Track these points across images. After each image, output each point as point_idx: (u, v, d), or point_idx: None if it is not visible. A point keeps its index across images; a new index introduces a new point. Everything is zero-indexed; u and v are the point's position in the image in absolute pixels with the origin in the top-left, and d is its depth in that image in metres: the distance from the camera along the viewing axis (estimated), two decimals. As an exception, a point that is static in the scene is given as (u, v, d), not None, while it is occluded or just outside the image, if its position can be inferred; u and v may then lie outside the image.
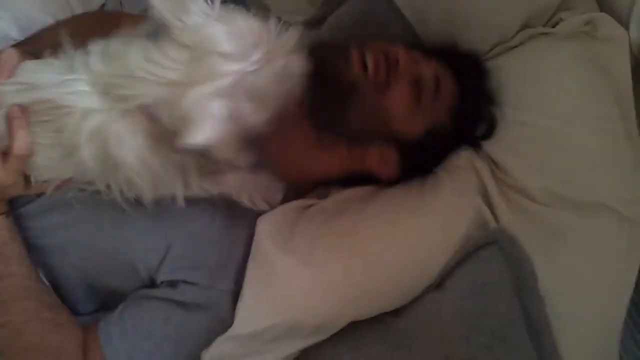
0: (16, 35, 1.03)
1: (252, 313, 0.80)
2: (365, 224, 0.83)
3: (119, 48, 0.68)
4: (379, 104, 0.81)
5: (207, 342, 0.81)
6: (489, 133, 0.88)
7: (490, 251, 0.79)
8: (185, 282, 0.81)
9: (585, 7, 0.90)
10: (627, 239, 0.79)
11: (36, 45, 0.85)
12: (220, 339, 0.80)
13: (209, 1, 0.65)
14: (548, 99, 0.86)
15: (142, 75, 0.64)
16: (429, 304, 0.80)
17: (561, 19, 0.90)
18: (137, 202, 0.75)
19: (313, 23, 1.09)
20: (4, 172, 0.72)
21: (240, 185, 0.82)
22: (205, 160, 0.74)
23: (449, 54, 0.91)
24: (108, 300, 0.87)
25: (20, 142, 0.70)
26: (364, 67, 0.81)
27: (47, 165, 0.73)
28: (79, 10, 1.10)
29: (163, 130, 0.66)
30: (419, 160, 0.86)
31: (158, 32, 0.66)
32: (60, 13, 1.07)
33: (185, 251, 0.82)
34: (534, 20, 0.91)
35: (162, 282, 0.83)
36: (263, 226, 0.84)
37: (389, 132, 0.83)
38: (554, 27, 0.90)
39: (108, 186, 0.73)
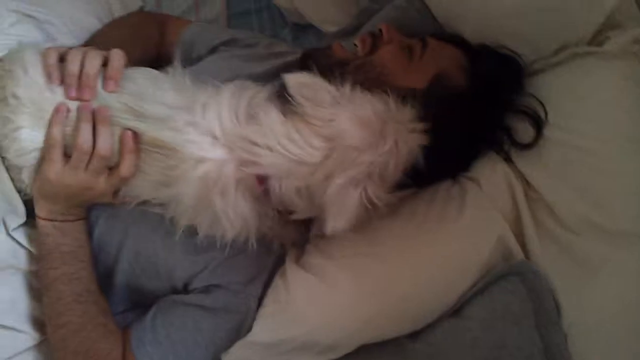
0: (67, 40, 1.02)
1: (271, 324, 0.82)
2: (383, 246, 0.82)
3: (254, 111, 0.73)
4: (370, 63, 0.84)
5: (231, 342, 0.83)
6: (535, 140, 0.85)
7: (513, 282, 0.78)
8: (217, 286, 0.83)
9: (634, 25, 0.85)
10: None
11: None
12: (239, 344, 0.82)
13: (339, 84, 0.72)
14: (592, 120, 0.83)
15: (279, 149, 0.69)
16: (446, 330, 0.79)
17: (608, 38, 0.86)
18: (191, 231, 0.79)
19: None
20: (106, 186, 0.77)
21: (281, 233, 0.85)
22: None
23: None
24: (139, 301, 0.89)
25: (127, 166, 0.75)
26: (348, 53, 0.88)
27: (141, 187, 0.78)
28: (118, 11, 1.12)
29: (268, 199, 0.73)
30: (442, 117, 0.78)
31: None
32: (102, 15, 1.08)
33: (221, 264, 0.84)
34: (576, 39, 0.87)
35: (195, 289, 0.84)
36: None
37: (392, 87, 0.78)
38: (600, 45, 0.86)
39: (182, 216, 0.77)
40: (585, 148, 0.81)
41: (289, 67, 0.94)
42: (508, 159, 0.87)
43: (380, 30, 0.87)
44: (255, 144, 0.70)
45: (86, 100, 0.75)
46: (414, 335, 0.81)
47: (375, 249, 0.82)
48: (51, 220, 0.81)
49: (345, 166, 0.68)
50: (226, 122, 0.73)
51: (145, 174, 0.76)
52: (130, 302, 0.91)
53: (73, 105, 0.75)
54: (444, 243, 0.81)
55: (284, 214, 0.77)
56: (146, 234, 0.85)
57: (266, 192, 0.73)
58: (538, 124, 0.84)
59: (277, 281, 0.84)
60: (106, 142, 0.75)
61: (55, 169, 0.75)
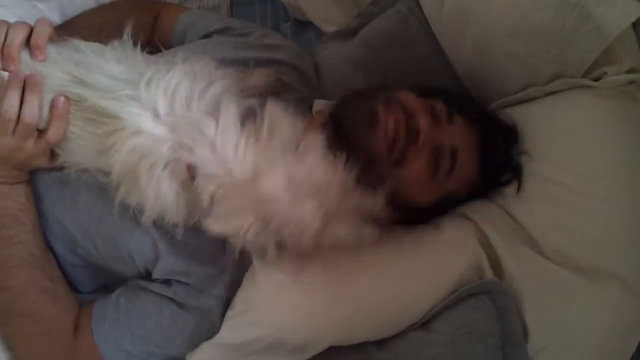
0: (58, 20, 1.03)
1: (239, 324, 0.81)
2: (358, 255, 0.81)
3: (213, 101, 0.73)
4: (396, 178, 0.78)
5: (192, 343, 0.82)
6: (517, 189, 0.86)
7: (482, 300, 0.78)
8: (178, 282, 0.82)
9: (631, 62, 0.84)
10: (634, 315, 0.76)
11: (75, 30, 0.88)
12: (206, 344, 0.81)
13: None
14: (579, 157, 0.83)
15: (219, 151, 0.68)
16: (412, 342, 0.79)
17: (606, 73, 0.85)
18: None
19: (347, 34, 1.09)
20: (34, 148, 0.77)
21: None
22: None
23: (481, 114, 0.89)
24: (108, 283, 0.88)
25: (55, 132, 0.76)
26: (386, 139, 0.79)
27: (78, 153, 0.77)
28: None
29: (194, 191, 0.71)
30: (420, 219, 0.85)
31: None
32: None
33: (180, 259, 0.83)
34: (574, 67, 0.86)
35: (157, 279, 0.84)
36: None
37: (400, 201, 0.79)
38: (596, 79, 0.85)
39: (118, 188, 0.76)
40: (568, 185, 0.81)
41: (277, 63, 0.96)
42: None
43: (418, 130, 0.79)
44: (201, 133, 0.69)
45: (10, 70, 0.75)
46: (380, 343, 0.81)
47: (349, 257, 0.81)
48: None
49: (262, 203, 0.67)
50: (176, 103, 0.73)
51: (82, 140, 0.76)
52: (100, 284, 0.90)
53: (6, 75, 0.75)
54: (419, 256, 0.81)
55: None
56: (99, 211, 0.83)
57: (190, 179, 0.71)
58: (519, 174, 0.85)
59: (245, 282, 0.83)
60: (32, 110, 0.75)
61: None
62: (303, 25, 1.21)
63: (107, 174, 0.76)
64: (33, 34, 0.77)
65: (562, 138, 0.84)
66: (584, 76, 0.85)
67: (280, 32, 1.21)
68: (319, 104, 0.96)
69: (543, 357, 0.76)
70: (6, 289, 0.80)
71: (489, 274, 0.79)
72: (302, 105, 0.95)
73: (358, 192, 0.69)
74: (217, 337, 0.81)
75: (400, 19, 1.01)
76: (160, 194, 0.72)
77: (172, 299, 0.82)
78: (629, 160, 0.80)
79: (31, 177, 0.84)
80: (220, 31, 1.05)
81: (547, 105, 0.88)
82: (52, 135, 0.75)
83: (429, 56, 0.98)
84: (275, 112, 0.71)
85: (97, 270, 0.88)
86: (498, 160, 0.86)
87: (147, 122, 0.72)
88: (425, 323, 0.80)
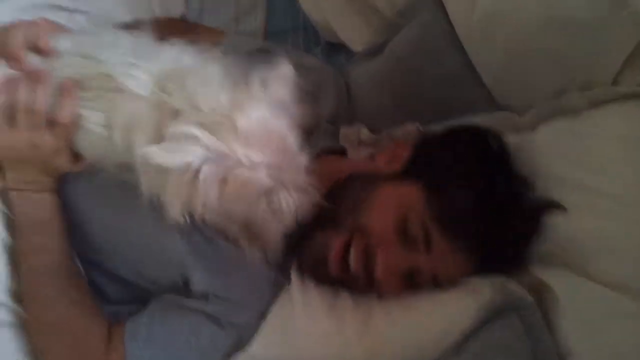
0: None
1: (271, 342, 0.81)
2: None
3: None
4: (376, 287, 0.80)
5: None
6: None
7: (510, 318, 0.76)
8: (216, 296, 0.82)
9: None
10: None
11: None
12: (237, 356, 0.81)
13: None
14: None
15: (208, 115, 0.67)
16: None
17: None
18: None
19: (375, 51, 1.09)
20: (51, 140, 0.76)
21: None
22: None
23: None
24: (140, 294, 0.87)
25: (66, 111, 0.74)
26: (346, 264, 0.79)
27: (88, 146, 0.77)
28: (159, 13, 1.16)
29: None
30: None
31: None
32: (141, 14, 1.11)
33: (219, 273, 0.82)
34: (607, 66, 0.83)
35: (195, 292, 0.83)
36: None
37: None
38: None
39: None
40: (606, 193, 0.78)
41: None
42: None
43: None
44: (187, 99, 0.68)
45: (17, 69, 0.76)
46: None
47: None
48: (17, 189, 0.81)
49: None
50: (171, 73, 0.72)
51: (87, 129, 0.75)
52: (131, 295, 0.88)
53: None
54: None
55: None
56: (127, 213, 0.82)
57: None
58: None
59: (281, 299, 0.82)
60: (39, 97, 0.74)
61: (1, 132, 0.77)
62: (335, 48, 1.22)
63: (130, 168, 0.74)
64: (35, 33, 0.78)
65: (616, 150, 0.80)
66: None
67: (312, 55, 1.22)
68: (344, 130, 0.98)
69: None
70: (35, 298, 0.81)
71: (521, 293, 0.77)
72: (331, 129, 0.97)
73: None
74: (249, 349, 0.80)
75: (425, 30, 1.00)
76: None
77: (210, 316, 0.81)
78: None
79: (57, 186, 0.85)
80: (259, 50, 1.07)
81: (597, 121, 0.83)
82: (64, 115, 0.74)
83: (455, 66, 0.97)
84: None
85: (124, 283, 0.88)
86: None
87: (143, 87, 0.71)
88: (456, 349, 0.77)
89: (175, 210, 0.66)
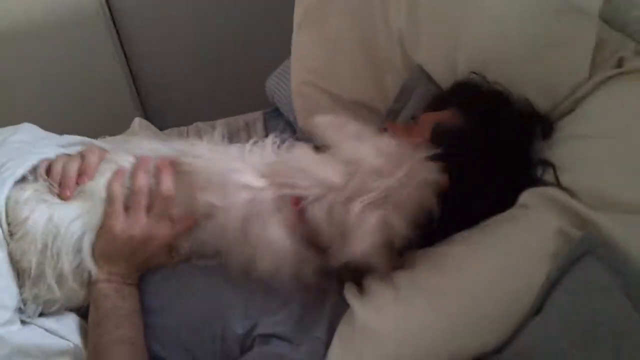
0: None
1: (339, 355, 0.77)
2: (448, 262, 0.81)
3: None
4: None
5: None
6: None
7: (586, 261, 0.73)
8: (278, 338, 0.80)
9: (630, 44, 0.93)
10: None
11: None
12: None
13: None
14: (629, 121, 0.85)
15: (310, 173, 0.76)
16: (531, 329, 0.72)
17: (622, 58, 0.92)
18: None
19: (392, 116, 1.16)
20: (171, 232, 0.83)
21: None
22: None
23: None
24: None
25: (166, 185, 0.82)
26: None
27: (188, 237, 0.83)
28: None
29: (305, 229, 0.77)
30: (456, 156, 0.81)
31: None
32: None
33: (279, 307, 0.82)
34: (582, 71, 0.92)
35: (254, 339, 0.80)
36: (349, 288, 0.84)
37: None
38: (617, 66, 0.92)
39: (227, 256, 0.81)
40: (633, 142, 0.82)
41: None
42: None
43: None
44: (293, 168, 0.78)
45: (65, 198, 0.82)
46: (499, 351, 0.74)
47: (439, 267, 0.80)
48: (110, 282, 0.82)
49: (363, 190, 0.73)
50: (267, 156, 0.82)
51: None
52: None
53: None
54: (506, 247, 0.79)
55: (320, 255, 0.79)
56: (198, 290, 0.84)
57: (301, 215, 0.76)
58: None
59: (342, 322, 0.80)
60: (168, 182, 0.82)
61: (119, 220, 0.81)
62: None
63: (210, 254, 0.83)
64: (85, 160, 0.85)
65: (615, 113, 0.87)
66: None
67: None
68: None
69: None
70: None
71: (584, 233, 0.75)
72: None
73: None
74: None
75: (421, 102, 1.08)
76: (272, 240, 0.76)
77: (273, 354, 0.78)
78: None
79: None
80: None
81: (589, 107, 0.91)
82: (165, 188, 0.82)
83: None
84: (322, 122, 0.82)
85: None
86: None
87: (250, 177, 0.79)
88: (538, 310, 0.73)
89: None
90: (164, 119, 1.88)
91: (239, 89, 1.90)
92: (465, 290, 0.77)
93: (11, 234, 0.81)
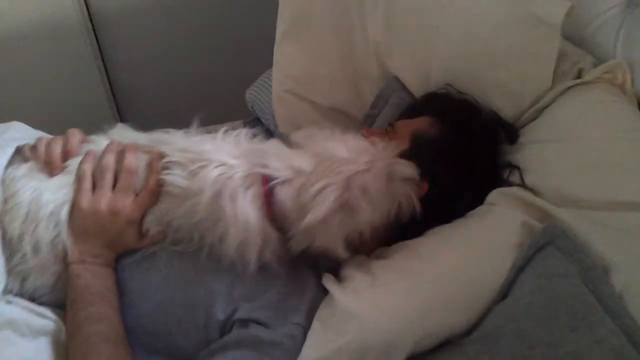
0: None
1: (319, 339, 0.81)
2: (422, 251, 0.87)
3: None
4: None
5: None
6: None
7: (547, 250, 0.80)
8: (257, 322, 0.83)
9: (590, 59, 1.02)
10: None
11: None
12: None
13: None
14: (582, 125, 0.94)
15: (282, 159, 0.82)
16: (498, 312, 0.79)
17: (582, 69, 1.01)
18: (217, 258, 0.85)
19: (369, 121, 1.23)
20: (133, 208, 0.86)
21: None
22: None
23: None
24: None
25: (128, 159, 0.87)
26: None
27: (164, 210, 0.87)
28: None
29: (272, 210, 0.82)
30: (432, 162, 0.89)
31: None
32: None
33: (257, 298, 0.86)
34: (544, 82, 1.02)
35: (234, 323, 0.84)
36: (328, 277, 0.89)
37: None
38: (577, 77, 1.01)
39: (201, 238, 0.85)
40: (584, 145, 0.91)
41: None
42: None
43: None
44: (265, 153, 0.84)
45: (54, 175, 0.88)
46: (468, 333, 0.80)
47: (414, 254, 0.86)
48: (82, 262, 0.86)
49: (327, 174, 0.79)
50: (240, 143, 0.87)
51: (168, 193, 0.86)
52: None
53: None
54: (476, 236, 0.87)
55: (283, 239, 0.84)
56: (177, 275, 0.87)
57: (268, 195, 0.81)
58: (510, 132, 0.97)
59: (322, 305, 0.85)
60: (131, 159, 0.87)
61: (86, 196, 0.86)
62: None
63: (185, 240, 0.87)
64: (68, 141, 0.91)
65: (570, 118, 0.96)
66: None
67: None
68: None
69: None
70: None
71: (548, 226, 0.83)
72: None
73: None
74: (300, 358, 0.80)
75: (397, 108, 1.16)
76: (243, 218, 0.81)
77: (250, 342, 0.81)
78: (621, 114, 0.93)
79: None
80: None
81: (550, 115, 1.00)
82: (152, 182, 0.86)
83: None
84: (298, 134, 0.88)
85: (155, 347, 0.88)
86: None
87: (226, 157, 0.84)
88: (504, 296, 0.80)
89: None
90: (142, 128, 1.90)
91: (218, 99, 1.94)
92: (437, 275, 0.82)
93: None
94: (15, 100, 1.92)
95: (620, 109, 0.94)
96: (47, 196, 0.87)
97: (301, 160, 0.82)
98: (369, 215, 0.80)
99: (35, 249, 0.86)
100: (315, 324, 0.83)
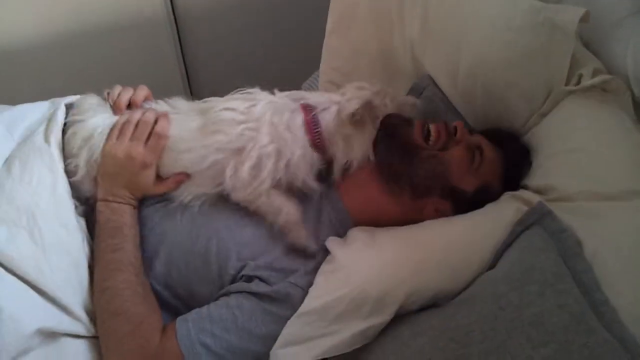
0: None
1: (320, 290, 0.91)
2: (422, 223, 0.98)
3: None
4: (439, 160, 1.01)
5: (274, 337, 0.90)
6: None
7: (534, 230, 0.88)
8: (260, 279, 0.94)
9: (593, 64, 1.06)
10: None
11: None
12: (290, 321, 0.90)
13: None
14: (583, 130, 1.00)
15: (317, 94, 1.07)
16: (480, 281, 0.88)
17: (581, 75, 1.05)
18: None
19: None
20: (145, 152, 0.99)
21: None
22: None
23: (494, 133, 1.10)
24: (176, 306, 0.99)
25: (161, 125, 1.00)
26: (427, 135, 1.03)
27: (173, 161, 1.01)
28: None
29: (316, 135, 1.01)
30: (467, 210, 1.00)
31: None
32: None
33: (263, 254, 0.97)
34: (557, 79, 1.07)
35: (241, 278, 0.95)
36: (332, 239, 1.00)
37: (448, 186, 1.00)
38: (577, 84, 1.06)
39: (218, 185, 0.99)
40: (578, 147, 0.97)
41: None
42: None
43: (455, 128, 1.05)
44: (302, 94, 1.02)
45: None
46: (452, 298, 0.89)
47: (410, 227, 0.97)
48: (105, 200, 0.99)
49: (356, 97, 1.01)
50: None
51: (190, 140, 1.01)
52: (165, 305, 0.98)
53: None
54: (473, 216, 0.97)
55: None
56: (191, 228, 0.99)
57: (311, 123, 0.99)
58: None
59: (324, 264, 0.96)
60: (149, 116, 1.01)
61: (111, 142, 0.99)
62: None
63: (202, 195, 1.00)
64: (135, 94, 1.06)
65: (565, 127, 1.02)
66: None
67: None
68: None
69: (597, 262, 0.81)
70: (105, 289, 0.93)
71: (538, 207, 0.91)
72: None
73: None
74: (300, 308, 0.89)
75: (427, 102, 1.24)
76: (297, 141, 0.99)
77: (253, 293, 0.92)
78: (615, 123, 0.98)
79: (139, 206, 1.03)
80: None
81: (547, 121, 1.07)
82: (160, 127, 1.00)
83: (451, 119, 1.18)
84: None
85: (170, 294, 0.99)
86: (516, 161, 1.05)
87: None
88: (492, 266, 0.89)
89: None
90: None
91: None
92: (430, 242, 0.93)
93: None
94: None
95: (608, 113, 1.00)
96: (100, 128, 1.02)
97: (332, 94, 1.01)
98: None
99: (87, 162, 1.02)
100: (318, 279, 0.93)
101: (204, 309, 0.92)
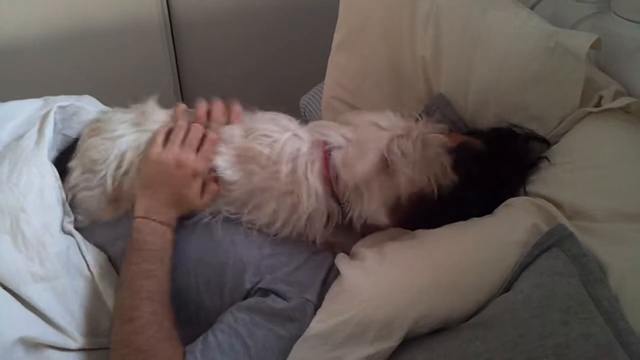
0: None
1: (326, 313, 0.87)
2: (433, 238, 0.93)
3: None
4: None
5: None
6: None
7: (553, 252, 0.84)
8: (276, 294, 0.89)
9: (615, 86, 1.04)
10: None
11: None
12: (297, 344, 0.85)
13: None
14: (603, 153, 0.97)
15: (333, 127, 0.97)
16: (497, 303, 0.83)
17: (602, 97, 1.03)
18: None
19: None
20: (197, 161, 0.94)
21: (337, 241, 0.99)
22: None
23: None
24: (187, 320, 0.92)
25: (212, 134, 0.95)
26: None
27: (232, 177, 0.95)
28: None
29: (331, 179, 0.94)
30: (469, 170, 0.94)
31: None
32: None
33: (281, 268, 0.93)
34: (570, 106, 1.05)
35: (256, 291, 0.90)
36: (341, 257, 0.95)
37: None
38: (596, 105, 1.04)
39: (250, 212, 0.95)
40: (598, 164, 0.95)
41: None
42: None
43: None
44: (326, 128, 0.95)
45: None
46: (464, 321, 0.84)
47: (423, 238, 0.92)
48: (145, 218, 0.91)
49: (370, 139, 0.93)
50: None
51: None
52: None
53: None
54: (484, 229, 0.92)
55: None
56: (211, 240, 0.95)
57: (325, 158, 0.93)
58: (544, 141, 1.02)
59: (332, 285, 0.91)
60: (198, 126, 0.96)
61: (157, 148, 0.94)
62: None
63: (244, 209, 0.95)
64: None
65: (584, 144, 0.99)
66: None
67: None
68: None
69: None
70: (132, 319, 0.85)
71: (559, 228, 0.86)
72: None
73: None
74: (306, 332, 0.85)
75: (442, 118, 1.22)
76: (312, 186, 0.93)
77: (267, 312, 0.87)
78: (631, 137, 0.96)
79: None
80: None
81: (567, 139, 1.04)
82: (211, 135, 0.95)
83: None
84: None
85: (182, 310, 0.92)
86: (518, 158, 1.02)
87: (294, 128, 0.97)
88: (506, 288, 0.84)
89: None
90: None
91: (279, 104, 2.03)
92: (441, 262, 0.88)
93: None
94: (86, 91, 2.04)
95: (632, 133, 0.97)
96: (132, 140, 0.99)
97: (348, 131, 0.94)
98: (408, 177, 0.89)
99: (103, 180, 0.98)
100: (326, 300, 0.89)
101: (210, 337, 0.86)
